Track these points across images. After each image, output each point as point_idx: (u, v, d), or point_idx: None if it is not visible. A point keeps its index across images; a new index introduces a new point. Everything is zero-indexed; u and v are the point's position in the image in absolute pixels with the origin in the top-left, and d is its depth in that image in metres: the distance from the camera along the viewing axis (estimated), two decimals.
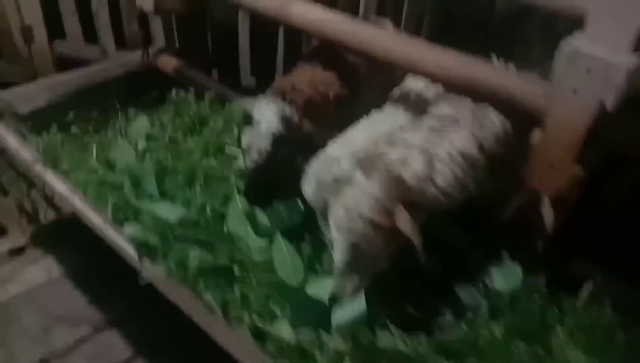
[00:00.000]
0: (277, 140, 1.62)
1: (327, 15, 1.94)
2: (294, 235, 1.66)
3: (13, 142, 2.24)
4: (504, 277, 1.54)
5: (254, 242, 1.69)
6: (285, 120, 1.65)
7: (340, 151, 1.52)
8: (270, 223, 1.69)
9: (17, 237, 2.58)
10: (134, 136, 2.29)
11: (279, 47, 3.03)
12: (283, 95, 1.76)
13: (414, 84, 1.85)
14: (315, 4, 1.99)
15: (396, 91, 1.89)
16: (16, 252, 2.51)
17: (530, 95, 1.53)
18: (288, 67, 2.24)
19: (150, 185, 1.92)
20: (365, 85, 2.19)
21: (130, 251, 1.74)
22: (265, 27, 2.99)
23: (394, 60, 1.80)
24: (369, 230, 1.31)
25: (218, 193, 1.87)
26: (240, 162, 2.00)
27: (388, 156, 1.42)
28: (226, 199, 1.84)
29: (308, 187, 1.52)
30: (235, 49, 3.16)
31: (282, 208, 1.67)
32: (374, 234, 1.31)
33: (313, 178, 1.51)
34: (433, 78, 1.75)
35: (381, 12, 2.60)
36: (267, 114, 1.66)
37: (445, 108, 1.63)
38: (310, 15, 1.97)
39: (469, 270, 1.58)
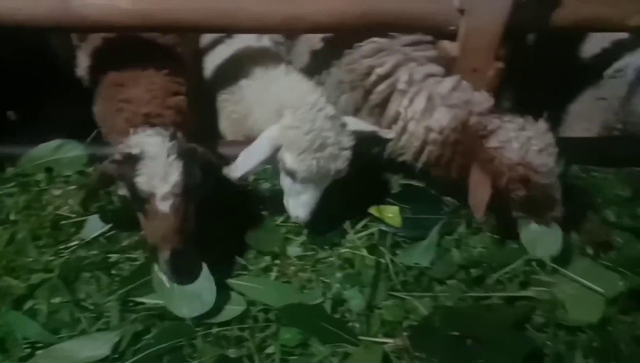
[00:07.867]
0: (187, 167, 1.37)
1: None
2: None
3: None
4: None
5: None
6: (179, 146, 1.40)
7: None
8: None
9: None
10: None
11: None
12: (149, 124, 1.47)
13: None
14: None
15: None
16: None
17: (441, 12, 1.61)
18: None
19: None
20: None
21: None
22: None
23: (267, 24, 1.65)
24: None
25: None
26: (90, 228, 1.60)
27: None
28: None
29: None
30: None
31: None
32: None
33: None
34: (326, 28, 1.66)
35: None
36: (155, 147, 1.38)
37: None
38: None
39: None
